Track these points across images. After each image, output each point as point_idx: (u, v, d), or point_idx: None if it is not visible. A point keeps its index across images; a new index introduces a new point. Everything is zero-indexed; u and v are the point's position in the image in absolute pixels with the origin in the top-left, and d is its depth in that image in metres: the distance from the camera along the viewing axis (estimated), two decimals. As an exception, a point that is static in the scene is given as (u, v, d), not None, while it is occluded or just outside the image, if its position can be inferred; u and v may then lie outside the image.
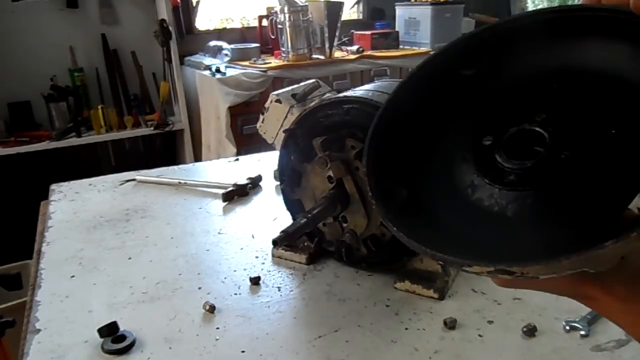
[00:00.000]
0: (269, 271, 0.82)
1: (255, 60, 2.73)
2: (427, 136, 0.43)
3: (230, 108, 2.48)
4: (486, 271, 0.31)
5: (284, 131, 0.84)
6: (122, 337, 0.65)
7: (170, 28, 2.69)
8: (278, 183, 0.90)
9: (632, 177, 0.33)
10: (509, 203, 0.36)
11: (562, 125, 0.36)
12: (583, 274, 0.33)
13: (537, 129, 0.37)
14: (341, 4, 2.89)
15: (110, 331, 0.66)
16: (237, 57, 2.77)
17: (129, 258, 0.88)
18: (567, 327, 0.64)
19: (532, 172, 0.36)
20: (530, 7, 4.30)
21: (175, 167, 1.39)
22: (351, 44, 3.05)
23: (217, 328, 0.68)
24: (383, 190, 0.39)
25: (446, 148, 0.42)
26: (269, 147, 1.03)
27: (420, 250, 0.35)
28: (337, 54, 2.91)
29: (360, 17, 3.60)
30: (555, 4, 4.52)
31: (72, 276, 0.83)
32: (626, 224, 0.29)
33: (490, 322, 0.67)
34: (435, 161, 0.42)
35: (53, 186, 1.24)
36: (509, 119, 0.39)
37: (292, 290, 0.77)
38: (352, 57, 2.84)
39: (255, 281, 0.78)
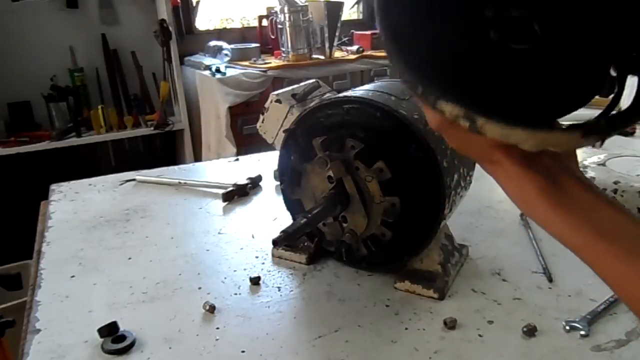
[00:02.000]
0: (269, 271, 0.82)
1: (255, 60, 2.73)
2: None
3: (230, 108, 2.48)
4: (455, 114, 0.35)
5: (284, 131, 0.84)
6: (122, 337, 0.65)
7: (170, 28, 2.69)
8: (278, 183, 0.90)
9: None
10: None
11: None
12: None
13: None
14: (341, 4, 2.90)
15: (110, 331, 0.66)
16: (237, 57, 2.78)
17: (129, 258, 0.88)
18: (567, 327, 0.64)
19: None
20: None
21: (175, 167, 1.39)
22: (351, 44, 3.05)
23: (217, 328, 0.68)
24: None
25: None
26: (269, 147, 1.03)
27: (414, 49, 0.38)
28: (337, 54, 2.92)
29: (360, 17, 3.61)
30: None
31: (72, 276, 0.83)
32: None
33: (490, 322, 0.67)
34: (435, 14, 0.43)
35: (53, 186, 1.24)
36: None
37: (292, 290, 0.77)
38: (352, 57, 2.84)
39: (255, 281, 0.78)
